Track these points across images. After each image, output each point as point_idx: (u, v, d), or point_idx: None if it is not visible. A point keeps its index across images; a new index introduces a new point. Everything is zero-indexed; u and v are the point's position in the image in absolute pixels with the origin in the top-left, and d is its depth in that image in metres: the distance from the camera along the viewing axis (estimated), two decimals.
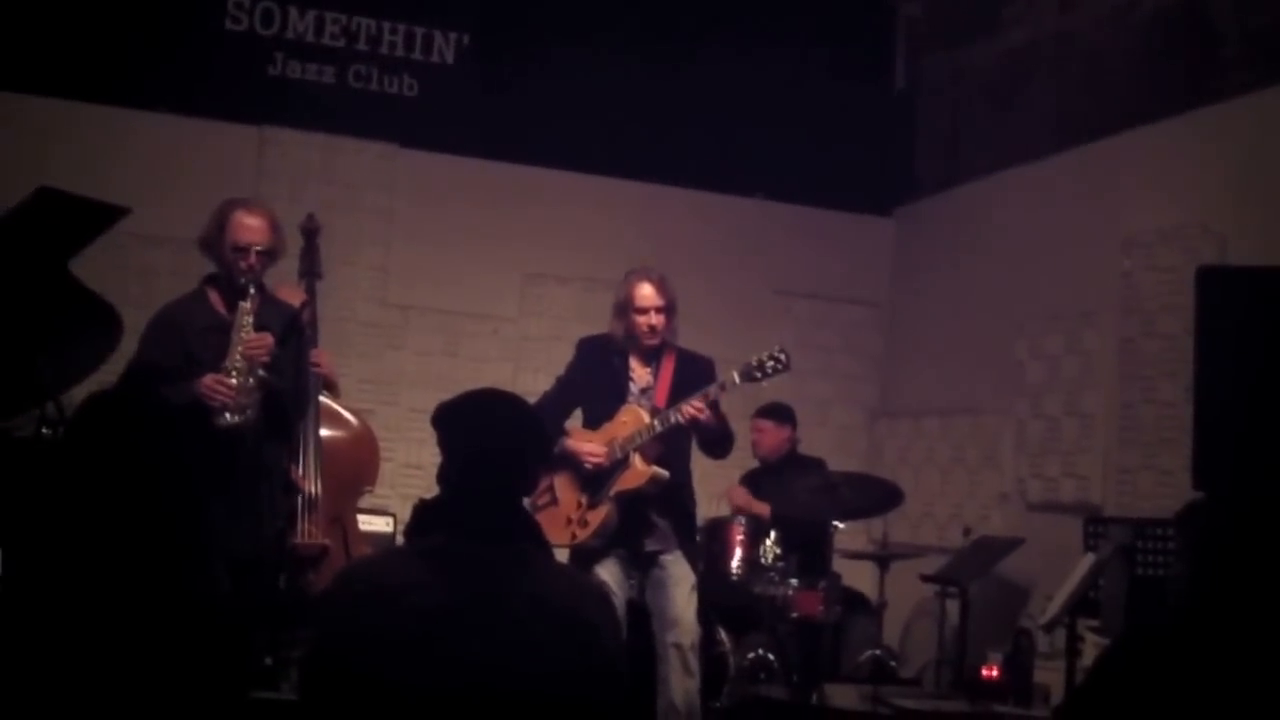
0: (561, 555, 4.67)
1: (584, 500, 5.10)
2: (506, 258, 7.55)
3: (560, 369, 5.39)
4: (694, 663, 5.03)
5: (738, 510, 6.41)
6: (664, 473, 5.02)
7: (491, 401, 2.78)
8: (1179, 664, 2.43)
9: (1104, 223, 6.51)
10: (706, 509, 5.91)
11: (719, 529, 6.14)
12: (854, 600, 6.61)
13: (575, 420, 5.30)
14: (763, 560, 5.98)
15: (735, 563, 6.04)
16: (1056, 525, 6.34)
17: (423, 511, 2.66)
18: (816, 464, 6.65)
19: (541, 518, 4.71)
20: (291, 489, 4.73)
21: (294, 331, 4.68)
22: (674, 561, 5.09)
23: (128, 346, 4.83)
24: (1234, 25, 5.99)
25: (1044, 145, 7.06)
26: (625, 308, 5.12)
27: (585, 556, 5.05)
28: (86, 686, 2.50)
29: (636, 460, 5.01)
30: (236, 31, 7.23)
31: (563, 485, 5.15)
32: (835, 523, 5.93)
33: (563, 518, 5.09)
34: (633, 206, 7.73)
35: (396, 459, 6.90)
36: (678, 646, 5.00)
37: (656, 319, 5.08)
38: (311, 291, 4.86)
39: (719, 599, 5.93)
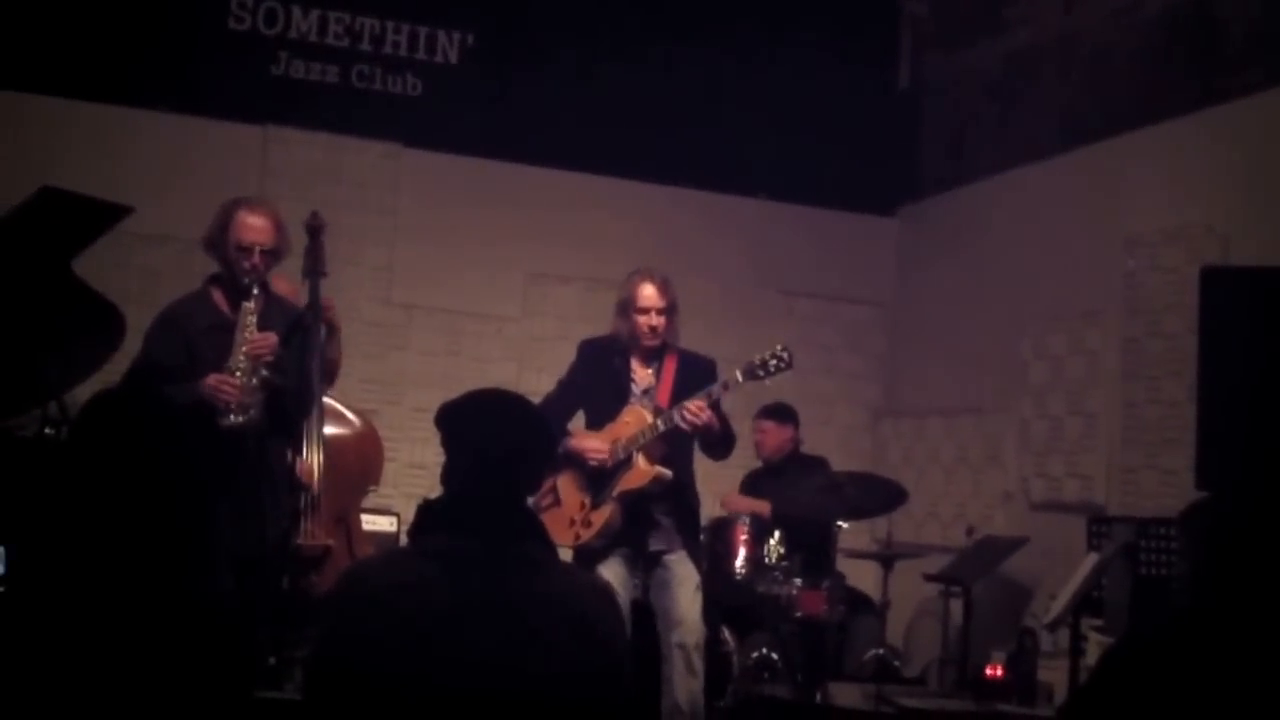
0: (565, 555, 4.66)
1: (587, 500, 5.09)
2: (510, 257, 7.55)
3: (563, 369, 5.38)
4: (698, 662, 5.02)
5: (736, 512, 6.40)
6: (667, 472, 5.01)
7: (495, 401, 2.77)
8: (1182, 663, 2.43)
9: (1108, 222, 6.50)
10: (709, 509, 5.91)
11: (723, 528, 6.14)
12: (858, 600, 6.62)
13: (578, 422, 5.29)
14: (767, 560, 5.98)
15: (739, 562, 6.04)
16: (1060, 525, 6.34)
17: (426, 511, 2.65)
18: (820, 464, 6.65)
19: (545, 518, 4.64)
20: (295, 488, 4.73)
21: (297, 331, 4.66)
22: (678, 561, 5.09)
23: (131, 346, 4.81)
24: (1238, 25, 5.98)
25: (1048, 145, 7.05)
26: (627, 307, 5.12)
27: (589, 557, 5.04)
28: (91, 686, 2.50)
29: (640, 460, 5.01)
30: (240, 31, 7.23)
31: (566, 486, 5.14)
32: (839, 522, 5.94)
33: (566, 518, 5.08)
34: (637, 206, 7.73)
35: (400, 458, 6.91)
36: (682, 646, 4.99)
37: (657, 320, 5.08)
38: (315, 290, 4.80)
39: (723, 598, 5.92)
